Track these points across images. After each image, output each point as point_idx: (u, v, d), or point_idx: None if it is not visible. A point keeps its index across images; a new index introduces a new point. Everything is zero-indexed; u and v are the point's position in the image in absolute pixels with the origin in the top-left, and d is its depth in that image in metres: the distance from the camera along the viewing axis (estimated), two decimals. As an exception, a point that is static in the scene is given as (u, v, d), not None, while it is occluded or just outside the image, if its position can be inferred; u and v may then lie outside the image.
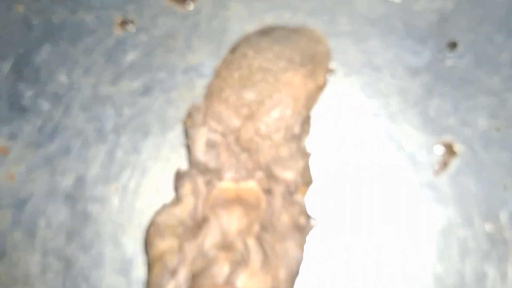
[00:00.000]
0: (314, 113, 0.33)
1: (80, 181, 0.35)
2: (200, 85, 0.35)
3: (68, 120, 0.35)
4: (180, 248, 0.28)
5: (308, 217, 0.29)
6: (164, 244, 0.28)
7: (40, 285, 0.34)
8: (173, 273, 0.28)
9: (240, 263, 0.28)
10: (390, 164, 0.32)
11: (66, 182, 0.35)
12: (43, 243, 0.34)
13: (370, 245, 0.32)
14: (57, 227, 0.34)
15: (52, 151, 0.35)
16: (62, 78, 0.36)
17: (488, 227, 0.31)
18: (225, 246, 0.29)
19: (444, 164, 0.32)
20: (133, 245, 0.34)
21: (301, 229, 0.29)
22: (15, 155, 0.35)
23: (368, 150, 0.33)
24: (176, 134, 0.34)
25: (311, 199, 0.32)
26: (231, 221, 0.29)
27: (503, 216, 0.31)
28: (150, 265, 0.29)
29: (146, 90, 0.35)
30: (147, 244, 0.29)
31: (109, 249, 0.34)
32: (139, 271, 0.33)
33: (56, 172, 0.35)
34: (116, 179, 0.35)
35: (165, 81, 0.35)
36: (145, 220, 0.34)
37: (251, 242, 0.28)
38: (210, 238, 0.29)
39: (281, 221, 0.29)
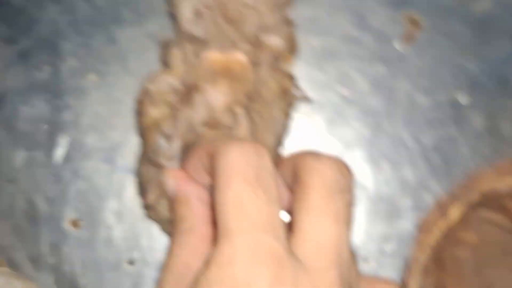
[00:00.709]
0: None
1: (56, 73, 0.35)
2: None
3: (41, 14, 0.35)
4: (174, 116, 0.29)
5: (293, 82, 0.30)
6: (156, 111, 0.29)
7: (25, 179, 0.34)
8: (169, 139, 0.29)
9: (228, 135, 0.29)
10: (357, 40, 0.34)
11: (43, 75, 0.35)
12: (25, 137, 0.34)
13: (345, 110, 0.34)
14: (37, 121, 0.35)
15: (26, 46, 0.35)
16: (30, -28, 0.35)
17: (452, 94, 0.34)
18: (212, 123, 0.30)
19: (410, 36, 0.34)
20: (115, 134, 0.34)
21: (287, 94, 0.30)
22: (-13, 52, 0.35)
23: (335, 27, 0.34)
24: (151, 24, 0.35)
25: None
26: (217, 96, 0.30)
27: (466, 84, 0.34)
28: (143, 134, 0.30)
29: (117, -19, 0.35)
30: (139, 112, 0.30)
31: (91, 139, 0.34)
32: (123, 158, 0.34)
33: (32, 66, 0.35)
34: (93, 70, 0.35)
35: (136, -29, 0.35)
36: (124, 109, 0.34)
37: (239, 110, 0.30)
38: (197, 114, 0.30)
39: (268, 88, 0.30)
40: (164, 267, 0.27)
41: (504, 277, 0.30)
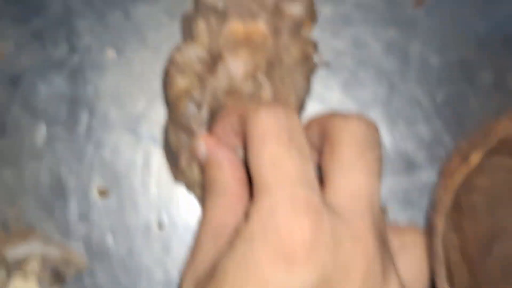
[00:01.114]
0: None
1: (73, 51, 0.35)
2: None
3: (53, -7, 0.36)
4: (202, 84, 0.30)
5: (315, 47, 0.32)
6: (185, 81, 0.30)
7: (48, 154, 0.35)
8: (199, 106, 0.30)
9: (252, 101, 0.31)
10: (369, 5, 0.36)
11: (59, 53, 0.35)
12: (46, 113, 0.35)
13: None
14: (56, 97, 0.35)
15: (40, 25, 0.35)
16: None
17: (462, 53, 0.36)
18: (233, 92, 0.31)
19: (420, 0, 0.36)
20: (137, 106, 0.35)
21: (308, 60, 0.32)
22: (0, 33, 0.35)
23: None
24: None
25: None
26: (237, 66, 0.31)
27: (474, 43, 0.36)
28: (172, 103, 0.31)
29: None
30: (167, 83, 0.31)
31: (113, 112, 0.35)
32: (148, 129, 0.35)
33: (47, 44, 0.36)
34: (110, 46, 0.36)
35: None
36: (145, 83, 0.35)
37: (260, 76, 0.31)
38: (220, 84, 0.31)
39: (289, 55, 0.31)
40: (201, 226, 0.28)
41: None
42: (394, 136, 0.35)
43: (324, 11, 0.36)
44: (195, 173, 0.31)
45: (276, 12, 0.32)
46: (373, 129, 0.26)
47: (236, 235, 0.24)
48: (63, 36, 0.35)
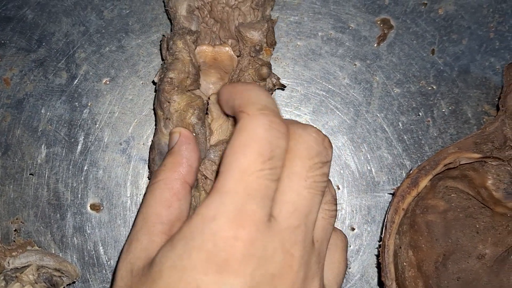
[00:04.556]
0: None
1: (72, 79, 0.39)
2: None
3: (53, 26, 0.39)
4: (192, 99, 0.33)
5: (269, 68, 0.34)
6: (182, 97, 0.32)
7: (48, 172, 0.38)
8: (199, 118, 0.32)
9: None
10: (337, 40, 0.39)
11: (60, 80, 0.39)
12: (46, 135, 0.38)
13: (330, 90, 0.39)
14: (56, 121, 0.39)
15: (42, 55, 0.39)
16: (45, -11, 0.39)
17: (421, 85, 0.39)
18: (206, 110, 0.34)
19: (384, 36, 0.39)
20: (128, 128, 0.38)
21: (264, 80, 0.34)
22: (7, 61, 0.39)
23: (317, 29, 0.39)
24: (155, 32, 0.39)
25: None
26: (209, 86, 0.35)
27: (433, 75, 0.39)
28: (174, 116, 0.32)
29: (124, -5, 0.39)
30: (162, 101, 0.32)
31: (107, 133, 0.38)
32: (137, 150, 0.38)
33: (48, 73, 0.39)
34: (106, 74, 0.39)
35: (140, -15, 0.39)
36: (136, 108, 0.39)
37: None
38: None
39: (247, 75, 0.34)
40: (138, 217, 0.28)
41: (466, 235, 0.34)
42: (359, 158, 0.38)
43: (296, 44, 0.39)
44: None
45: (240, 38, 0.34)
46: (327, 144, 0.27)
47: (177, 231, 0.25)
48: (63, 65, 0.39)
